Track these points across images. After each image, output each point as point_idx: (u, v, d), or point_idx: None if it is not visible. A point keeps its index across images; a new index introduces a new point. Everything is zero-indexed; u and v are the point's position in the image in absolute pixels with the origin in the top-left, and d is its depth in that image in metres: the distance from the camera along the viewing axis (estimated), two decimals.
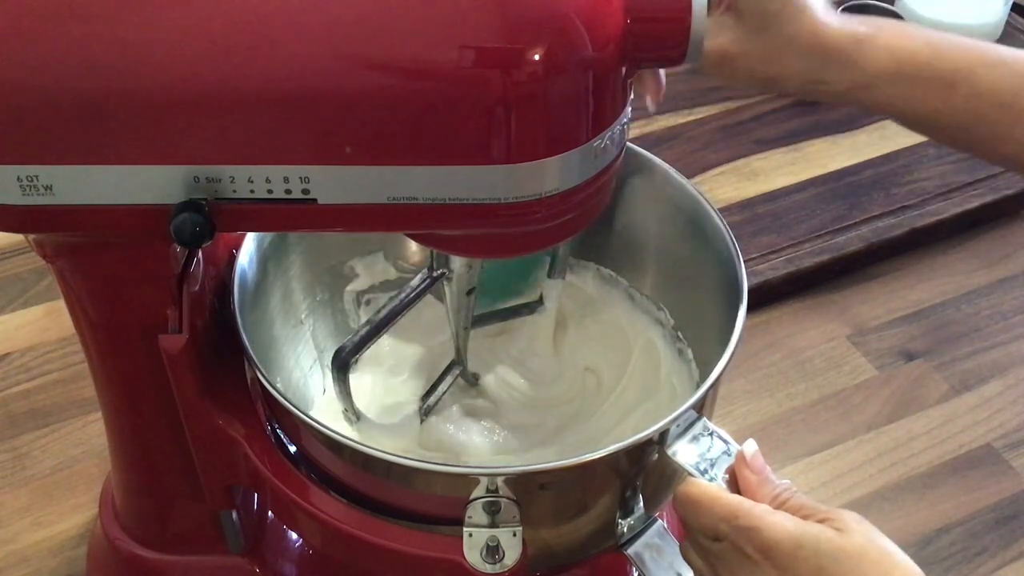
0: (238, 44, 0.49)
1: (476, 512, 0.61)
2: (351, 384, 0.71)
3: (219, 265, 0.68)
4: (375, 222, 0.54)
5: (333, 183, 0.52)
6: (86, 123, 0.50)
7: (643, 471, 0.65)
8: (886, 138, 1.24)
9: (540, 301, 0.78)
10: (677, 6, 0.52)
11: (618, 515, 0.67)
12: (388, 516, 0.64)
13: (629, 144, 0.59)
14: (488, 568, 0.60)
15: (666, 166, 0.74)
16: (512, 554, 0.61)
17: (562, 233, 0.58)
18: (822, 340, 1.05)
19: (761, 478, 0.59)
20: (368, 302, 0.81)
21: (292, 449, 0.67)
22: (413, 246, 0.81)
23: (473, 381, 0.78)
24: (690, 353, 0.76)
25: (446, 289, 0.69)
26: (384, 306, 0.69)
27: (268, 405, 0.66)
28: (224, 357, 0.66)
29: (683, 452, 0.62)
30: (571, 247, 0.76)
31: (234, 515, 0.73)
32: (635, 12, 0.51)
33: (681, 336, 0.77)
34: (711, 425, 0.63)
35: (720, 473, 0.61)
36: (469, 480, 0.60)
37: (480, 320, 0.76)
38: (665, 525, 0.70)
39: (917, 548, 0.89)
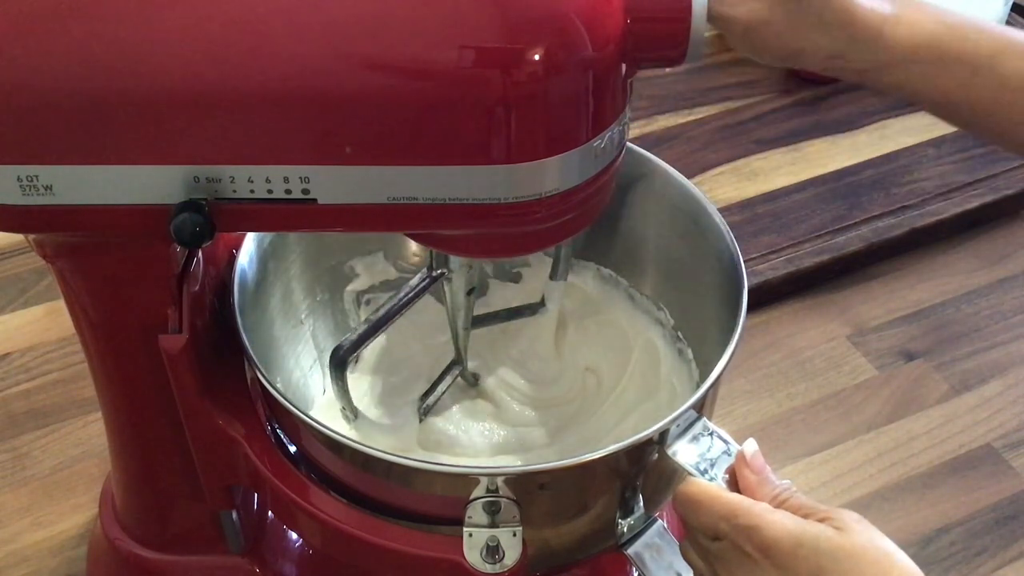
0: (238, 44, 0.49)
1: (476, 512, 0.61)
2: (350, 383, 0.71)
3: (219, 265, 0.68)
4: (375, 222, 0.54)
5: (333, 183, 0.52)
6: (86, 123, 0.50)
7: (643, 471, 0.65)
8: (886, 138, 1.24)
9: (542, 302, 0.78)
10: (677, 6, 0.52)
11: (618, 515, 0.67)
12: (388, 516, 0.64)
13: (629, 144, 0.59)
14: (488, 568, 0.60)
15: (666, 166, 0.74)
16: (512, 554, 0.61)
17: (562, 233, 0.58)
18: (822, 340, 1.05)
19: (761, 478, 0.59)
20: (368, 302, 0.81)
21: (292, 449, 0.67)
22: (413, 246, 0.81)
23: (473, 381, 0.78)
24: (690, 353, 0.76)
25: (446, 289, 0.69)
26: (383, 305, 0.69)
27: (268, 405, 0.66)
28: (224, 357, 0.66)
29: (683, 452, 0.62)
30: (571, 248, 0.76)
31: (234, 515, 0.73)
32: (635, 12, 0.52)
33: (681, 336, 0.77)
34: (711, 425, 0.63)
35: (720, 473, 0.61)
36: (469, 480, 0.60)
37: (481, 320, 0.76)
38: (665, 525, 0.70)
39: (917, 548, 0.89)
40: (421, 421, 0.75)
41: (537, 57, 0.49)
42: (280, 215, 0.54)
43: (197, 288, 0.63)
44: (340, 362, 0.69)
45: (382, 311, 0.69)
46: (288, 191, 0.52)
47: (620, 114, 0.54)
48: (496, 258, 0.80)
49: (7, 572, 0.85)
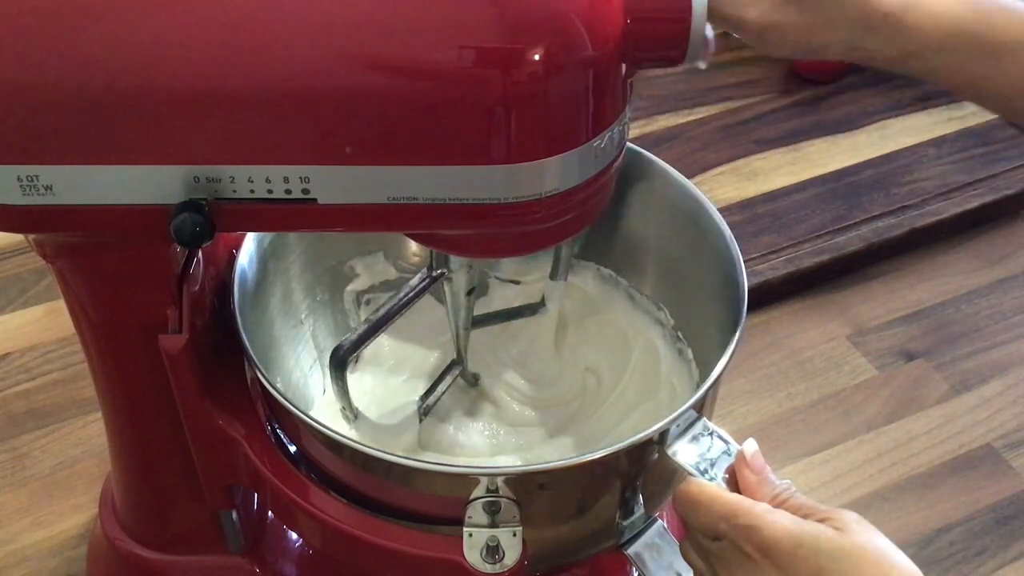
0: (238, 44, 0.49)
1: (476, 512, 0.61)
2: (350, 383, 0.71)
3: (219, 265, 0.68)
4: (375, 222, 0.54)
5: (333, 183, 0.52)
6: (86, 123, 0.50)
7: (643, 471, 0.65)
8: (886, 138, 1.24)
9: (542, 302, 0.78)
10: (677, 6, 0.52)
11: (618, 515, 0.67)
12: (388, 516, 0.64)
13: (629, 144, 0.59)
14: (488, 568, 0.60)
15: (666, 166, 0.74)
16: (512, 554, 0.61)
17: (562, 233, 0.58)
18: (822, 340, 1.05)
19: (761, 478, 0.59)
20: (368, 302, 0.81)
21: (292, 449, 0.67)
22: (413, 246, 0.81)
23: (473, 381, 0.78)
24: (690, 353, 0.76)
25: (446, 289, 0.69)
26: (383, 305, 0.69)
27: (268, 405, 0.66)
28: (224, 357, 0.66)
29: (683, 452, 0.62)
30: (571, 247, 0.76)
31: (234, 515, 0.73)
32: (635, 12, 0.51)
33: (681, 336, 0.77)
34: (711, 425, 0.63)
35: (720, 473, 0.61)
36: (469, 480, 0.60)
37: (481, 320, 0.76)
38: (665, 525, 0.70)
39: (917, 548, 0.89)
40: (421, 421, 0.75)
41: (537, 57, 0.49)
42: (280, 215, 0.54)
43: (197, 288, 0.63)
44: (340, 362, 0.69)
45: (382, 311, 0.69)
46: (288, 191, 0.52)
47: (620, 114, 0.54)
48: (496, 258, 0.80)
49: (7, 572, 0.85)
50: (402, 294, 0.69)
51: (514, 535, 0.61)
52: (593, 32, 0.50)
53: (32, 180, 0.52)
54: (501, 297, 0.82)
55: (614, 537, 0.68)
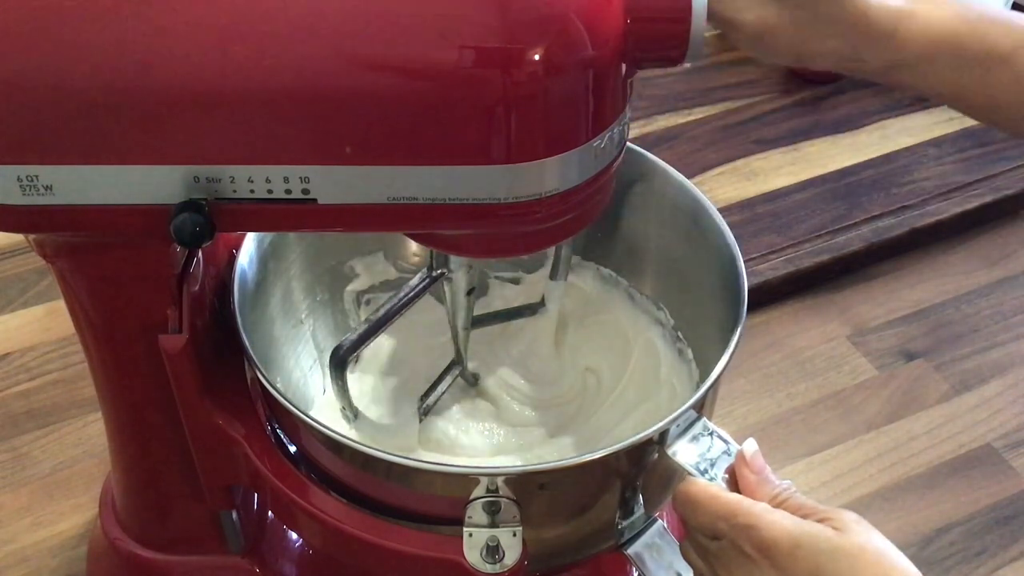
0: (238, 44, 0.49)
1: (476, 512, 0.61)
2: (350, 383, 0.71)
3: (219, 265, 0.68)
4: (375, 222, 0.54)
5: (333, 183, 0.52)
6: (86, 123, 0.50)
7: (643, 471, 0.65)
8: (886, 138, 1.24)
9: (542, 302, 0.78)
10: (677, 6, 0.52)
11: (618, 515, 0.67)
12: (388, 516, 0.64)
13: (629, 144, 0.59)
14: (488, 568, 0.60)
15: (666, 166, 0.74)
16: (512, 554, 0.61)
17: (562, 233, 0.58)
18: (822, 340, 1.05)
19: (761, 478, 0.59)
20: (368, 302, 0.81)
21: (292, 449, 0.67)
22: (413, 246, 0.81)
23: (473, 381, 0.78)
24: (690, 353, 0.76)
25: (446, 289, 0.69)
26: (383, 305, 0.69)
27: (268, 405, 0.66)
28: (224, 357, 0.66)
29: (683, 452, 0.62)
30: (571, 248, 0.76)
31: (234, 515, 0.73)
32: (635, 12, 0.51)
33: (681, 336, 0.77)
34: (711, 425, 0.63)
35: (720, 473, 0.61)
36: (469, 480, 0.60)
37: (481, 320, 0.76)
38: (665, 525, 0.70)
39: (917, 548, 0.89)
40: (421, 421, 0.75)
41: (537, 57, 0.49)
42: (280, 215, 0.54)
43: (197, 288, 0.63)
44: (340, 362, 0.69)
45: (382, 311, 0.69)
46: (288, 191, 0.52)
47: (620, 114, 0.54)
48: (496, 258, 0.80)
49: (7, 572, 0.85)
50: (402, 294, 0.69)
51: (514, 535, 0.61)
52: (593, 32, 0.50)
53: (32, 180, 0.52)
54: (501, 297, 0.82)
55: (614, 537, 0.69)
